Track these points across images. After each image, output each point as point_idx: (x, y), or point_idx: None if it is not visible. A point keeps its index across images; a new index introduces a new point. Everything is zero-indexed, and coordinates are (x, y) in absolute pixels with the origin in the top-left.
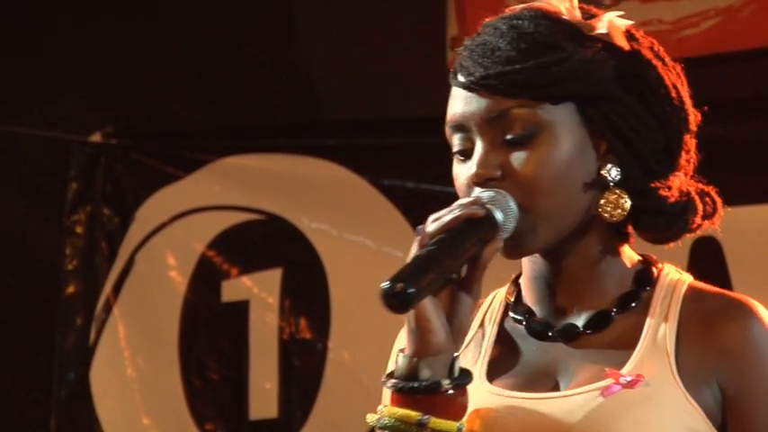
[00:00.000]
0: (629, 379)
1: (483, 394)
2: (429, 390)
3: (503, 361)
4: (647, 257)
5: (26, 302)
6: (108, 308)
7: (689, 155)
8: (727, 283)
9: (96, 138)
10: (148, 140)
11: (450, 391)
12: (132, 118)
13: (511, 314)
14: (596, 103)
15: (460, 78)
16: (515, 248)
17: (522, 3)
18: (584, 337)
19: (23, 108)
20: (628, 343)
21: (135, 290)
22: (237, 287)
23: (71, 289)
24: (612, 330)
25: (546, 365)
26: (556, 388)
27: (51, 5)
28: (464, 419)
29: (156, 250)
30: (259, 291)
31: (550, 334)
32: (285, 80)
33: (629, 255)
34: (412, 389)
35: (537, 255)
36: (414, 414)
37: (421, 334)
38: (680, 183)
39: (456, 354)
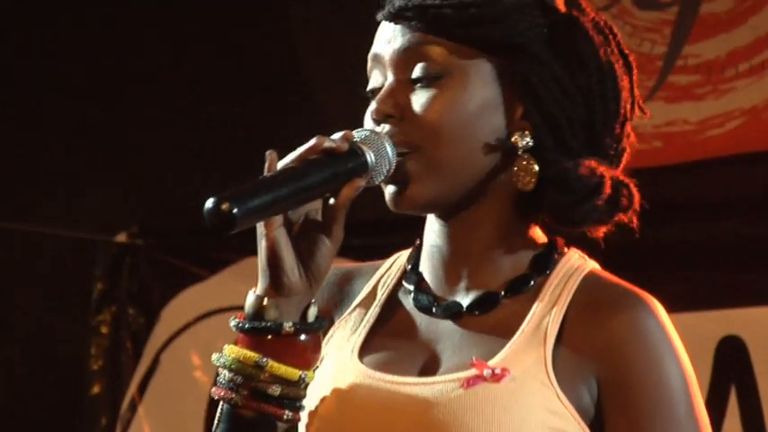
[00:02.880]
0: (494, 371)
1: (349, 369)
2: (269, 330)
3: (382, 334)
4: (554, 241)
5: (51, 402)
6: (133, 408)
7: (620, 144)
8: (752, 382)
9: (122, 238)
10: (173, 240)
11: (297, 336)
12: (157, 217)
13: (404, 282)
14: (517, 59)
15: (383, 10)
16: (402, 197)
17: None
18: (469, 317)
19: (49, 207)
20: (509, 329)
21: (160, 390)
22: None
23: (96, 389)
24: (497, 314)
25: (425, 343)
26: (428, 369)
27: (76, 102)
28: (311, 371)
29: (181, 350)
30: None
31: (434, 310)
32: None
33: (534, 237)
34: (252, 328)
35: (435, 222)
36: (252, 355)
37: (272, 272)
38: (597, 165)
39: (312, 299)
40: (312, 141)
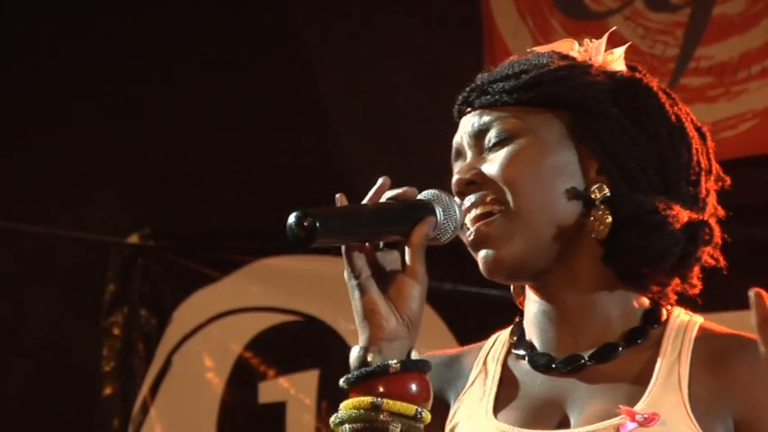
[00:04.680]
0: (644, 416)
1: (492, 431)
2: (378, 372)
3: (508, 397)
4: (655, 298)
5: (64, 404)
6: (145, 409)
7: (699, 191)
8: None
9: (134, 239)
10: (186, 242)
11: (404, 373)
12: (169, 219)
13: (513, 351)
14: (584, 114)
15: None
16: (492, 260)
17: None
18: (590, 369)
19: (61, 210)
20: (638, 379)
21: (172, 391)
22: (274, 389)
23: (108, 390)
24: (620, 365)
25: (552, 399)
26: (564, 422)
27: (88, 109)
28: (426, 411)
29: (193, 352)
30: (296, 392)
31: (554, 366)
32: (322, 182)
33: (636, 292)
34: (361, 375)
35: (534, 294)
36: (367, 399)
37: (370, 321)
38: (672, 205)
39: (412, 344)
40: (379, 181)
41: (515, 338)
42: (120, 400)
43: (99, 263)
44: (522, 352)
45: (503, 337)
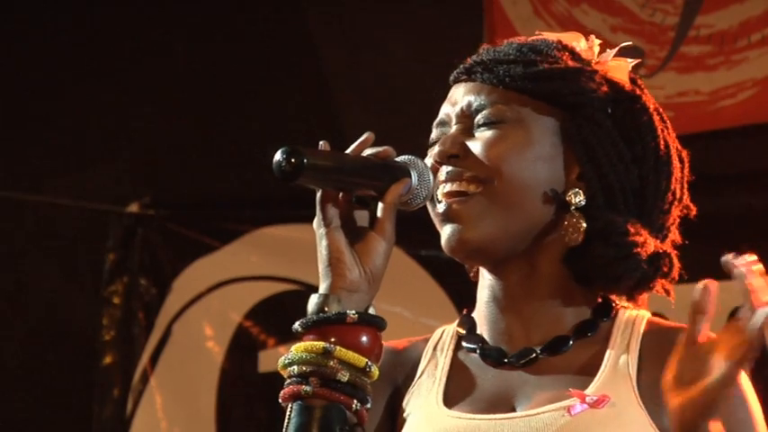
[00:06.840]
0: (594, 398)
1: (443, 418)
2: (334, 320)
3: (458, 388)
4: (605, 296)
5: (63, 373)
6: (145, 378)
7: (666, 217)
8: (764, 350)
9: (134, 208)
10: (185, 211)
11: (360, 325)
12: (169, 189)
13: (464, 344)
14: (579, 117)
15: (453, 75)
16: (457, 239)
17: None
18: (541, 362)
19: (61, 179)
20: (588, 368)
21: (172, 360)
22: (275, 358)
23: (108, 360)
24: (570, 357)
25: (503, 390)
26: (514, 411)
27: (87, 78)
28: (375, 367)
29: (193, 321)
30: None
31: (506, 360)
32: None
33: (588, 291)
34: (317, 320)
35: (491, 279)
36: (320, 343)
37: (335, 267)
38: (642, 231)
39: (372, 300)
40: (364, 135)
41: (465, 331)
42: (120, 369)
43: (99, 232)
44: (472, 345)
45: (450, 329)
